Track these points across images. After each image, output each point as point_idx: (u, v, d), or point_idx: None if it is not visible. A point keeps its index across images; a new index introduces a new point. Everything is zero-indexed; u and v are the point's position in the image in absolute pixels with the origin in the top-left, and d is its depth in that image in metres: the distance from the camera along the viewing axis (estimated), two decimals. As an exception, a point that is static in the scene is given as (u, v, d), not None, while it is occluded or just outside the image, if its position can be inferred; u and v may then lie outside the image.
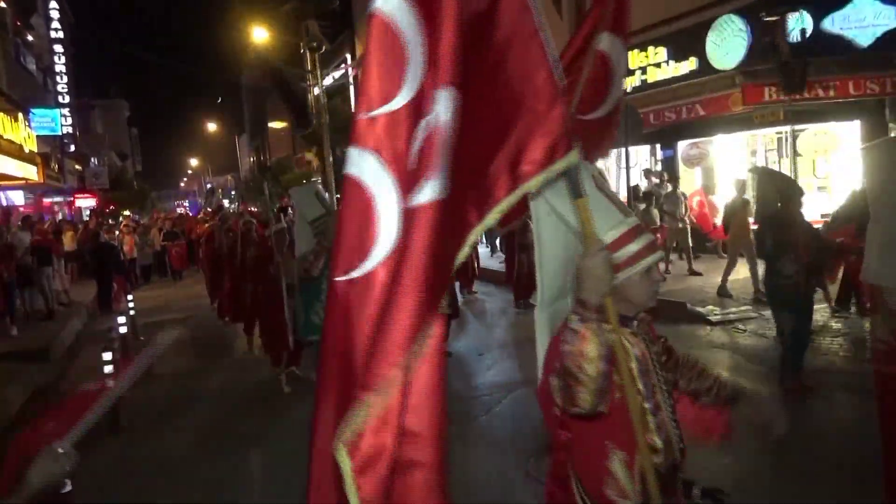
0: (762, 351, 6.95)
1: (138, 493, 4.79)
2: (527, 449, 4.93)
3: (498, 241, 15.77)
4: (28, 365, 8.33)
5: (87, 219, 26.42)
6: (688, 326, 8.05)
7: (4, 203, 19.45)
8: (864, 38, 10.51)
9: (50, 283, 11.99)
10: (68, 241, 17.17)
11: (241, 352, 9.06)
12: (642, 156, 15.16)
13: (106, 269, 13.83)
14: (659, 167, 14.35)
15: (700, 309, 8.54)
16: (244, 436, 5.69)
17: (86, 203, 31.51)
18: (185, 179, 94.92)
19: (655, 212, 11.29)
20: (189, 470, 5.06)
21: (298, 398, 6.41)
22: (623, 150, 10.74)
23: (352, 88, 30.18)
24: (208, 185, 60.42)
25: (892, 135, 10.24)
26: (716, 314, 8.36)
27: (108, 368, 6.02)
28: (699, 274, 10.83)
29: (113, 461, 5.29)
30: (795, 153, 11.88)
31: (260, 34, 26.88)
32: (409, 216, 1.51)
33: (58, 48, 29.18)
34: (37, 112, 24.23)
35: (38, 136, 22.08)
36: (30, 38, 26.46)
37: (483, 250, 14.95)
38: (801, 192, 5.87)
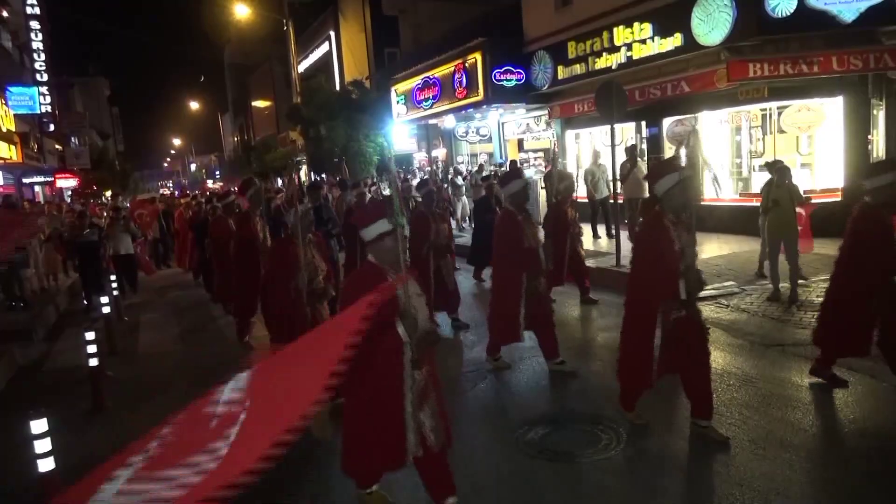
0: (742, 325, 7.05)
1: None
2: (514, 421, 4.99)
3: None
4: (10, 345, 8.25)
5: (69, 200, 26.09)
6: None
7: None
8: (848, 14, 10.51)
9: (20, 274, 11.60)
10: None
11: (226, 331, 8.96)
12: (628, 133, 15.16)
13: (95, 254, 13.59)
14: (645, 145, 14.37)
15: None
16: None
17: (67, 184, 31.00)
18: (168, 159, 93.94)
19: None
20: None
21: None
22: (609, 127, 10.75)
23: (335, 66, 29.81)
24: (192, 166, 59.67)
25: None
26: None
27: (90, 348, 5.98)
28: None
29: (97, 440, 5.27)
30: (779, 129, 11.96)
31: (242, 10, 26.51)
32: None
33: (34, 24, 28.54)
34: (14, 90, 23.80)
35: (15, 115, 21.73)
36: (5, 13, 25.84)
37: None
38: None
